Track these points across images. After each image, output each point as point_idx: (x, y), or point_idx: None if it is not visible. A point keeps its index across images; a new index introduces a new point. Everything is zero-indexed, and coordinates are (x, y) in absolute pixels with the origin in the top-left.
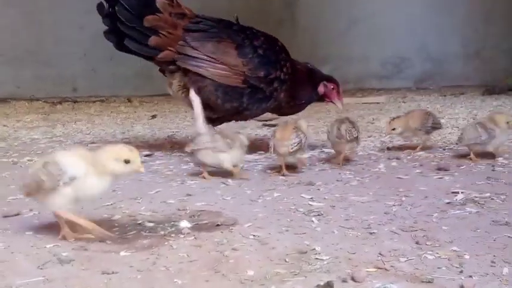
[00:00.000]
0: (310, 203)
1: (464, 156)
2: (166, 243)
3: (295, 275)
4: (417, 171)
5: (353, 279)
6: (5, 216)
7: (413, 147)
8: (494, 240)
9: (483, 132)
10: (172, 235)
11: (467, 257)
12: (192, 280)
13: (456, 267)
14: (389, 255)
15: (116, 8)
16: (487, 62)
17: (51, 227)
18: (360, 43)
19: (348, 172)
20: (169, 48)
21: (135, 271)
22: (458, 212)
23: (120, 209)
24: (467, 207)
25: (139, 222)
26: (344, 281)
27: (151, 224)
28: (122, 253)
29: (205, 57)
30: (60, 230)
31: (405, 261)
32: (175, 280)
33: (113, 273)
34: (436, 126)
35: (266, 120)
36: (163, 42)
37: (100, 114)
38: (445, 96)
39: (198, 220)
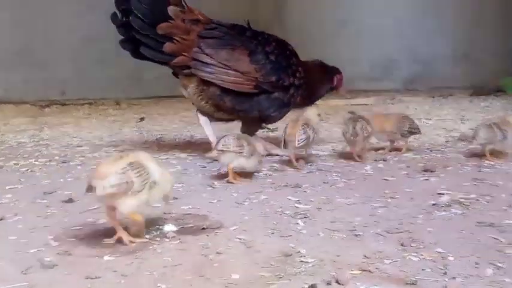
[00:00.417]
0: (297, 205)
1: (449, 157)
2: (150, 247)
3: (280, 278)
4: (403, 172)
5: (337, 281)
6: None
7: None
8: (478, 242)
9: (499, 132)
10: (157, 239)
11: (451, 258)
12: (176, 284)
13: (440, 268)
14: (374, 257)
15: (130, 17)
16: (476, 63)
17: (35, 232)
18: (348, 45)
19: (334, 174)
20: (184, 53)
21: (119, 276)
22: (443, 213)
23: (105, 213)
24: (453, 209)
25: (124, 226)
26: (328, 283)
27: (135, 228)
28: (106, 257)
29: (219, 64)
30: (116, 233)
31: (390, 263)
32: (158, 285)
33: (96, 278)
34: (413, 131)
35: None
36: (177, 48)
37: (88, 117)
38: (433, 97)
39: (183, 224)
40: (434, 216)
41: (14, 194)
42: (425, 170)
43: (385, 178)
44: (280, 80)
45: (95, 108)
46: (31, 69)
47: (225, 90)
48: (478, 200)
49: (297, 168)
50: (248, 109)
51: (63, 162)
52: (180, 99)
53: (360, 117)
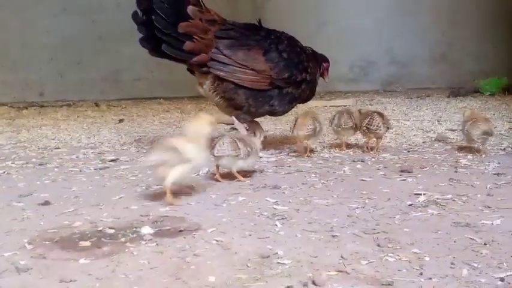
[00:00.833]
0: (275, 206)
1: (426, 158)
2: (126, 250)
3: (257, 280)
4: (381, 173)
5: (314, 283)
6: None
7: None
8: (454, 242)
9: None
10: (134, 242)
11: (427, 259)
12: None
13: (416, 269)
14: (350, 258)
15: (153, 16)
16: (453, 64)
17: (10, 235)
18: (327, 46)
19: (313, 175)
20: (203, 52)
21: (94, 279)
22: (420, 214)
23: (81, 216)
24: (429, 209)
25: (100, 229)
26: (305, 285)
27: (112, 231)
28: (81, 261)
29: (237, 64)
30: (165, 197)
31: (366, 264)
32: None
33: (71, 281)
34: (370, 128)
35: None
36: (197, 46)
37: (66, 119)
38: (411, 98)
39: (160, 226)
40: (410, 217)
41: None
42: (403, 171)
43: (362, 179)
44: (293, 76)
45: (73, 110)
46: (8, 71)
47: (239, 85)
48: (454, 200)
49: (308, 156)
50: (260, 103)
51: (40, 164)
52: (159, 100)
53: (346, 110)
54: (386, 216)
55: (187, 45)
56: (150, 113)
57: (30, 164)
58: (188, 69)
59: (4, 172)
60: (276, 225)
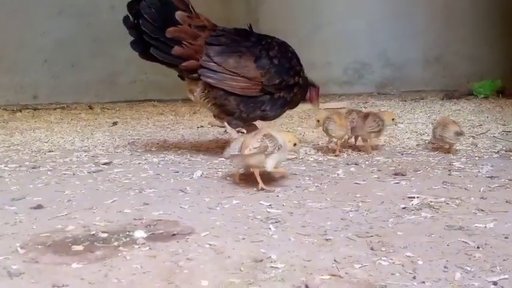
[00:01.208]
0: (269, 210)
1: (420, 161)
2: (119, 254)
3: (250, 284)
4: (374, 176)
5: (307, 287)
6: None
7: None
8: (447, 245)
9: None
10: (127, 246)
11: (420, 262)
12: None
13: (409, 273)
14: (344, 262)
15: (140, 20)
16: (447, 67)
17: (2, 239)
18: (322, 49)
19: (307, 178)
20: (192, 58)
21: (86, 284)
22: (413, 217)
23: (74, 220)
24: (423, 212)
25: (93, 232)
26: None
27: (105, 235)
28: (74, 265)
29: (228, 71)
30: (259, 184)
31: (359, 267)
32: None
33: (63, 286)
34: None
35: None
36: (186, 52)
37: (60, 122)
38: (405, 101)
39: (153, 230)
40: (404, 220)
41: None
42: (396, 174)
43: (356, 182)
44: (284, 82)
45: (67, 112)
46: (2, 73)
47: (230, 91)
48: (447, 203)
49: (336, 155)
50: (252, 108)
51: (33, 167)
52: (153, 103)
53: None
54: (379, 220)
55: (176, 50)
56: (144, 115)
57: (23, 167)
58: (179, 76)
59: None
60: (270, 228)
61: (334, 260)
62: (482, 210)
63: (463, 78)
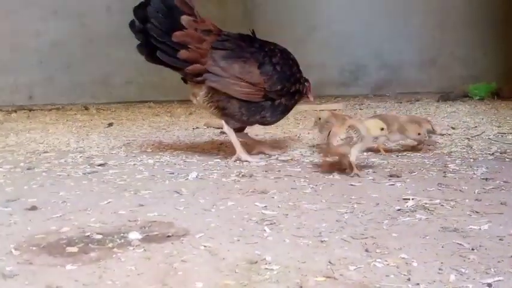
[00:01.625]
0: (264, 211)
1: (415, 162)
2: (114, 255)
3: (244, 286)
4: (370, 178)
5: None
6: None
7: None
8: (442, 247)
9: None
10: (121, 247)
11: (415, 264)
12: None
13: (404, 274)
14: (338, 264)
15: (148, 25)
16: (443, 69)
17: None
18: (317, 50)
19: (302, 180)
20: (197, 61)
21: (81, 285)
22: (408, 218)
23: (69, 221)
24: (418, 214)
25: (88, 234)
26: None
27: (99, 236)
28: (68, 267)
29: (233, 77)
30: (353, 169)
31: (354, 269)
32: None
33: (57, 287)
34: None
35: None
36: (192, 56)
37: (55, 123)
38: (400, 103)
39: (148, 231)
40: (399, 222)
41: None
42: (391, 175)
43: (351, 184)
44: (285, 88)
45: (62, 113)
46: None
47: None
48: (442, 205)
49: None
50: (253, 112)
51: (28, 168)
52: (149, 104)
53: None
54: (374, 221)
55: (182, 53)
56: (139, 116)
57: (18, 168)
58: (182, 79)
59: None
60: (265, 230)
61: (329, 262)
62: (477, 212)
63: (459, 80)
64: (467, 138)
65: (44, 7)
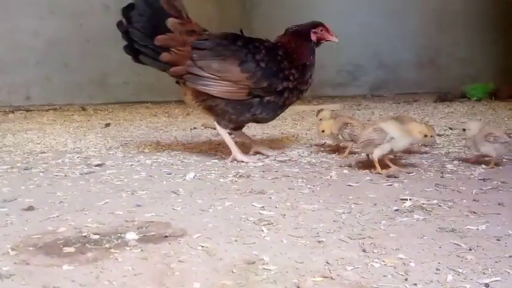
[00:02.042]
0: (261, 211)
1: (413, 163)
2: (111, 256)
3: (242, 286)
4: (367, 178)
5: None
6: None
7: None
8: (439, 247)
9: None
10: (118, 248)
11: (412, 264)
12: None
13: (401, 275)
14: (336, 264)
15: (129, 29)
16: (441, 69)
17: None
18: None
19: (300, 180)
20: (180, 63)
21: (78, 286)
22: (405, 219)
23: (65, 221)
24: (415, 214)
25: (85, 234)
26: None
27: (96, 237)
28: (65, 267)
29: (211, 75)
30: (375, 169)
31: (352, 269)
32: None
33: None
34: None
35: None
36: (174, 58)
37: (53, 123)
38: (398, 103)
39: (145, 232)
40: (396, 222)
41: None
42: (389, 176)
43: (349, 184)
44: (273, 85)
45: (59, 114)
46: None
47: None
48: (440, 205)
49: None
50: (240, 110)
51: (25, 169)
52: (146, 105)
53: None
54: (372, 222)
55: (164, 56)
56: (137, 117)
57: (15, 168)
58: (176, 81)
59: None
60: (262, 230)
61: (327, 262)
62: (474, 212)
63: (456, 81)
64: (465, 139)
65: (41, 7)
